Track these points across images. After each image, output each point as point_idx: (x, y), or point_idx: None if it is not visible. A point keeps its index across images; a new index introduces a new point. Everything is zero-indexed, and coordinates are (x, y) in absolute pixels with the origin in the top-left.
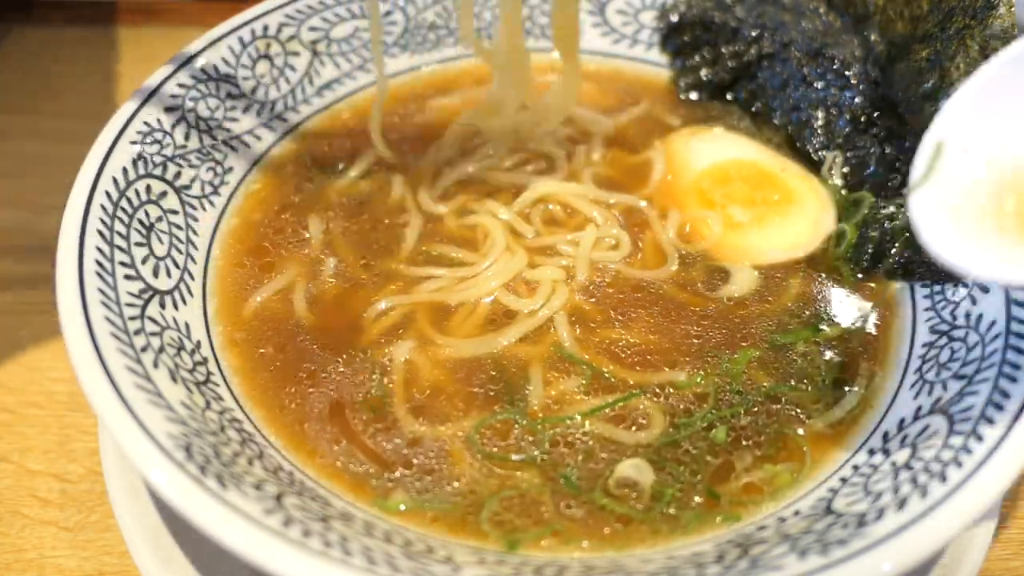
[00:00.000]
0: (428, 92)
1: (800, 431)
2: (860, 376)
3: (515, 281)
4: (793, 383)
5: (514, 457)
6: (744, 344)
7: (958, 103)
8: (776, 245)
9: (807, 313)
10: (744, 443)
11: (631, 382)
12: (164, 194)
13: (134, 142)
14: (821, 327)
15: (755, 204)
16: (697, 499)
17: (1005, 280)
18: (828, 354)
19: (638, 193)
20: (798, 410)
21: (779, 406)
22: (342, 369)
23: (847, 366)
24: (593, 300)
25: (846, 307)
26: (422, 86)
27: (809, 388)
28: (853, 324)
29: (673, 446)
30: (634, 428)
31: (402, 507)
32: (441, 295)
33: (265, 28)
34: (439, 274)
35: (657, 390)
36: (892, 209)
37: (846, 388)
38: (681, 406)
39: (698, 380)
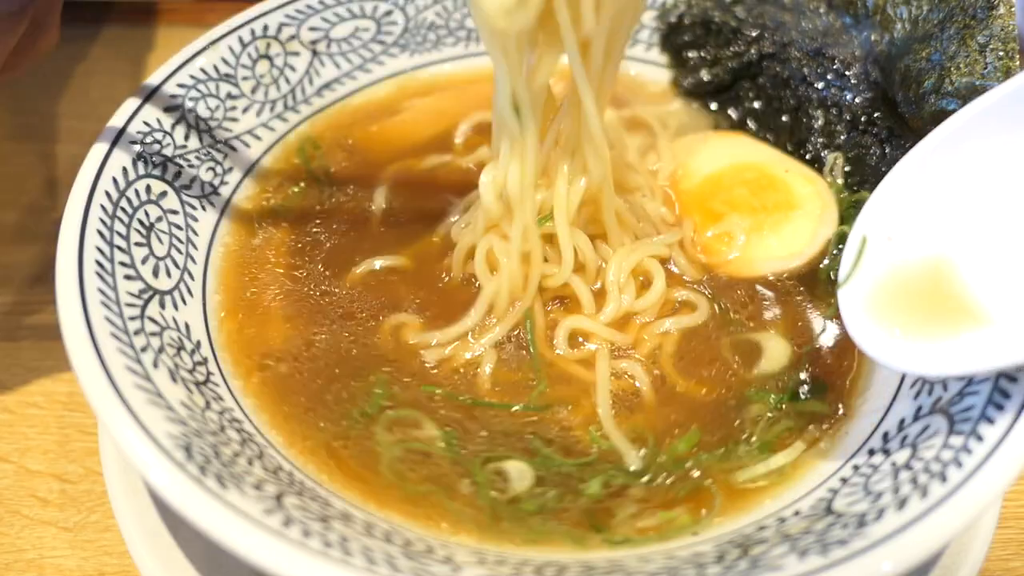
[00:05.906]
0: (428, 92)
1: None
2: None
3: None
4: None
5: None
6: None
7: (881, 196)
8: (780, 251)
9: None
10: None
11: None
12: (164, 194)
13: (134, 142)
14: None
15: (757, 210)
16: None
17: (930, 374)
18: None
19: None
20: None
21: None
22: (341, 370)
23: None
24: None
25: None
26: (422, 86)
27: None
28: None
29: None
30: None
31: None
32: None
33: (265, 28)
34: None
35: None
36: None
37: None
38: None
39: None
